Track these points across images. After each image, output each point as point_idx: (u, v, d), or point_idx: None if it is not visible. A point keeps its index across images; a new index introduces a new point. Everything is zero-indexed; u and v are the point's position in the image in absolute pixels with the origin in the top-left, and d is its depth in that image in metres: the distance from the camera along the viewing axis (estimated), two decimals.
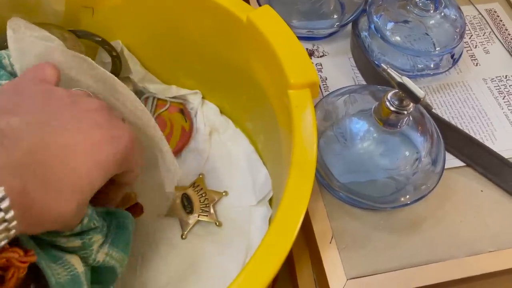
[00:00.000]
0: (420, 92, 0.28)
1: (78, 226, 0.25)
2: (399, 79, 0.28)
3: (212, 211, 0.43)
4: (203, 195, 0.44)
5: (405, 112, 0.30)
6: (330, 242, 0.33)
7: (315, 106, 0.36)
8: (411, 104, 0.29)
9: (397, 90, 0.29)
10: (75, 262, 0.25)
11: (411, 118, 0.32)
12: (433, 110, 0.40)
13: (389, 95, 0.30)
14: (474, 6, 0.47)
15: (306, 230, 0.35)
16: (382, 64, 0.28)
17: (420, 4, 0.38)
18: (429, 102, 0.28)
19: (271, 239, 0.27)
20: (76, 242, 0.26)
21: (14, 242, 0.23)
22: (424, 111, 0.34)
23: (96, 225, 0.28)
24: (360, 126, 0.32)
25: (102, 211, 0.29)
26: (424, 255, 0.33)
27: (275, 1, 0.42)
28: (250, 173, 0.45)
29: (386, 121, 0.31)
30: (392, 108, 0.29)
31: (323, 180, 0.34)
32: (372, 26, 0.39)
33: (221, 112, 0.49)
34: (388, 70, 0.28)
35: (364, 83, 0.41)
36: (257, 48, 0.37)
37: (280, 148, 0.38)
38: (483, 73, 0.43)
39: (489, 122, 0.40)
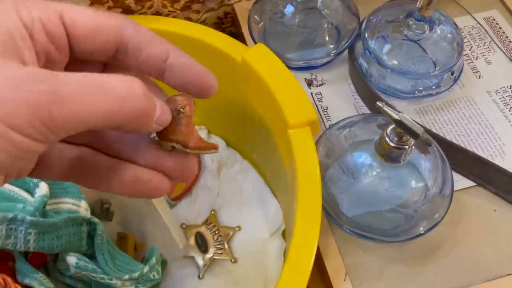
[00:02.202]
0: (418, 128, 0.27)
1: (138, 270, 0.31)
2: (396, 116, 0.28)
3: (226, 246, 0.43)
4: (216, 232, 0.44)
5: (406, 147, 0.29)
6: (344, 280, 0.32)
7: (318, 142, 0.36)
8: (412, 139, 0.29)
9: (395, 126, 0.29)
10: None
11: (413, 147, 0.32)
12: (439, 129, 0.40)
13: (388, 130, 0.29)
14: (472, 15, 0.46)
15: (321, 266, 0.35)
16: (377, 103, 0.28)
17: (414, 26, 0.38)
18: (428, 136, 0.27)
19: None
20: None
21: None
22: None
23: (155, 278, 0.33)
24: (363, 161, 0.32)
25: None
26: (441, 284, 0.33)
27: (270, 36, 0.42)
28: (261, 206, 0.46)
29: (388, 156, 0.30)
30: (392, 144, 0.29)
31: (332, 218, 0.34)
32: (368, 52, 0.39)
33: (227, 145, 0.49)
34: (384, 108, 0.28)
35: (366, 109, 0.41)
36: (255, 87, 0.37)
37: (286, 181, 0.38)
38: (486, 86, 0.42)
39: (497, 137, 0.39)
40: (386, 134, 0.29)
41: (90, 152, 0.20)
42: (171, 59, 0.20)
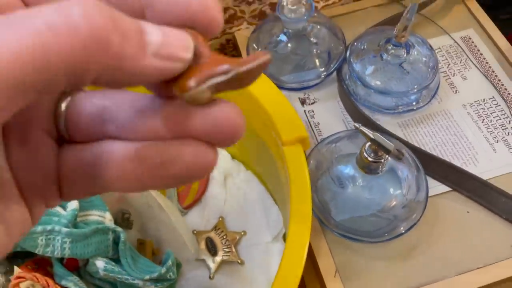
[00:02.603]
0: (389, 145, 0.32)
1: (157, 271, 0.36)
2: (371, 135, 0.33)
3: (233, 250, 0.48)
4: (224, 237, 0.49)
5: (382, 160, 0.34)
6: (335, 276, 0.38)
7: (310, 155, 0.41)
8: None
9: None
10: None
11: (390, 159, 0.37)
12: (419, 140, 0.45)
13: (366, 147, 0.34)
14: (449, 35, 0.51)
15: (315, 265, 0.40)
16: (354, 124, 0.33)
17: (392, 51, 0.43)
18: (399, 152, 0.32)
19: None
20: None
21: None
22: (403, 149, 0.39)
23: (172, 277, 0.38)
24: (347, 172, 0.37)
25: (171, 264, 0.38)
26: (420, 278, 0.37)
27: None
28: (263, 212, 0.51)
29: (367, 168, 0.35)
30: (369, 159, 0.34)
31: (323, 224, 0.39)
32: (353, 74, 0.44)
33: (232, 157, 0.54)
34: (361, 128, 0.33)
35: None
36: (254, 110, 0.43)
37: (284, 190, 0.43)
38: (462, 100, 0.47)
39: (471, 146, 0.44)
40: (364, 150, 0.34)
41: (107, 145, 0.15)
42: None
